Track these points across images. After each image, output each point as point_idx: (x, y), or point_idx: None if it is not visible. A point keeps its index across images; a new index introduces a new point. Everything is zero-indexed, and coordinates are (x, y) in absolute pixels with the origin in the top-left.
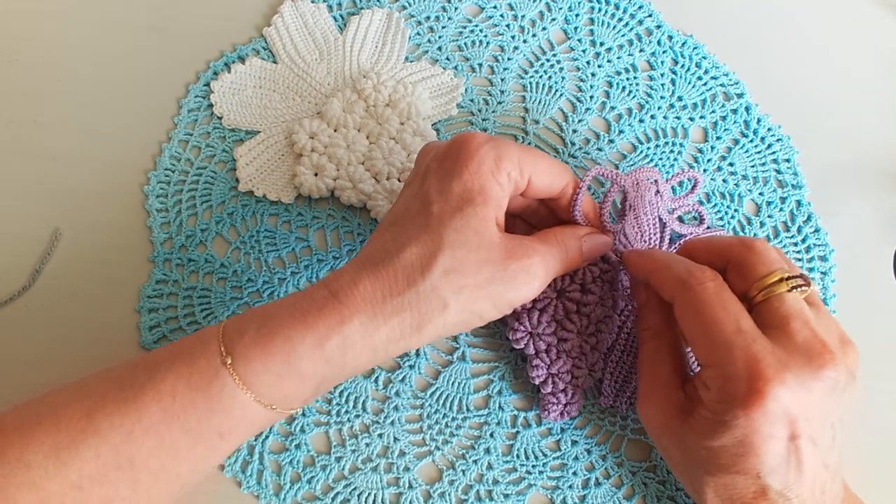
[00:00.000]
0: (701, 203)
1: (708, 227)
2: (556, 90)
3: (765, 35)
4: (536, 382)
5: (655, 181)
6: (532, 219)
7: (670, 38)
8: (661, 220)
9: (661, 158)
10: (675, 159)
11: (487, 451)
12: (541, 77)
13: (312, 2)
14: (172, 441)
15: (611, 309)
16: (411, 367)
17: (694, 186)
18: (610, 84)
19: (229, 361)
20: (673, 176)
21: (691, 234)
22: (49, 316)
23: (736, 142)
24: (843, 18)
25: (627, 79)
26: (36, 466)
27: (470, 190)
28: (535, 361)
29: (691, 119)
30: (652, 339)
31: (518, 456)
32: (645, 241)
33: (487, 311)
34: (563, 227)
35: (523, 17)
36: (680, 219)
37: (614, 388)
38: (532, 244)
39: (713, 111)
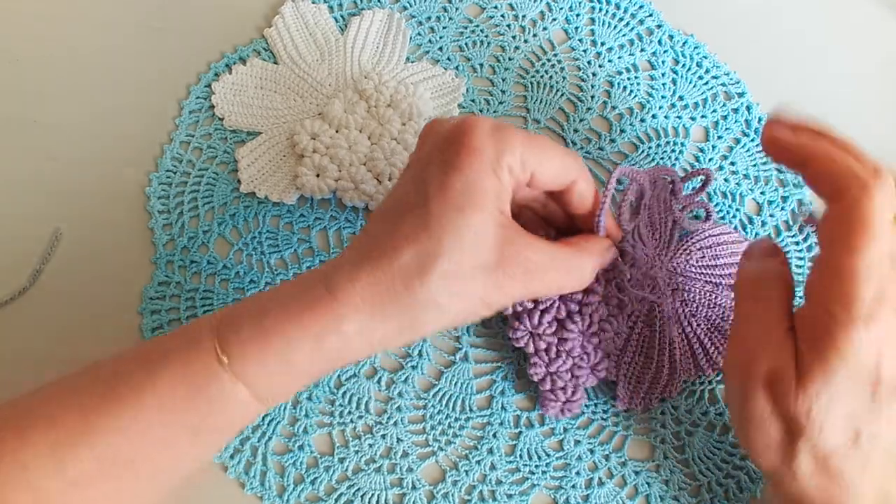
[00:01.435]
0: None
1: (714, 223)
2: (557, 90)
3: (765, 35)
4: (535, 380)
5: (672, 181)
6: (542, 211)
7: (671, 37)
8: (674, 219)
9: (662, 158)
10: (677, 159)
11: (490, 451)
12: (542, 77)
13: (313, 2)
14: (172, 438)
15: (616, 308)
16: (414, 367)
17: (705, 183)
18: (611, 83)
19: (226, 360)
20: (686, 175)
21: (698, 231)
22: (49, 316)
23: (737, 141)
24: (844, 18)
25: (628, 78)
26: (33, 467)
27: (471, 187)
28: (534, 360)
29: (692, 118)
30: (767, 289)
31: (521, 456)
32: (655, 240)
33: (482, 311)
34: (580, 247)
35: (524, 17)
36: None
37: (629, 389)
38: (532, 256)
39: (714, 110)
